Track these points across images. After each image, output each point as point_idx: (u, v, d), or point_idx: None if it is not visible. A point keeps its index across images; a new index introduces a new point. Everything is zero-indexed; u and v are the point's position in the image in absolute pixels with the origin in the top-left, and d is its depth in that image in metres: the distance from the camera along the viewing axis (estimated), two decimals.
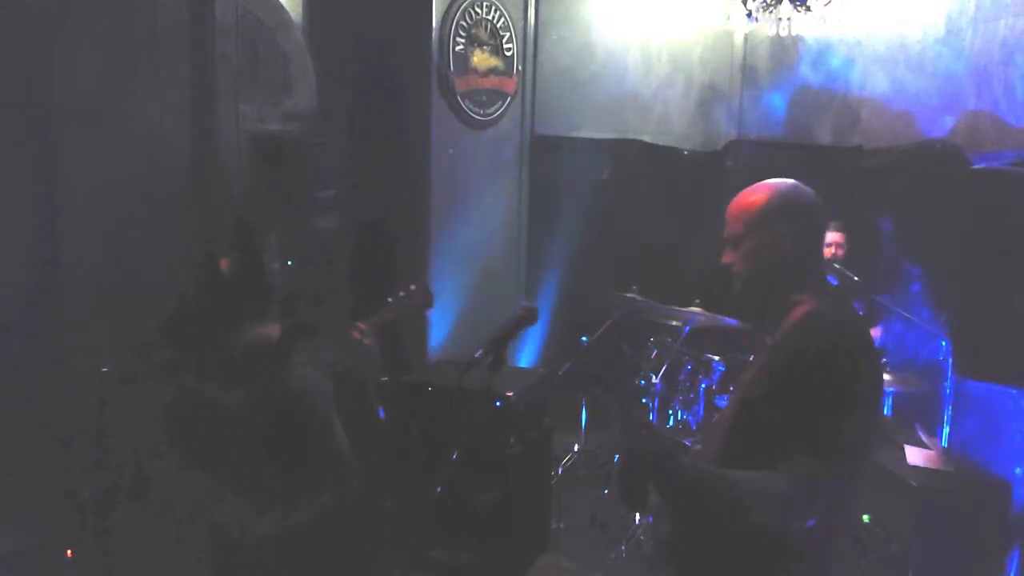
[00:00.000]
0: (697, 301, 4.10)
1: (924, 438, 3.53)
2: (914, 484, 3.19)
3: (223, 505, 2.47)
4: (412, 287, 2.94)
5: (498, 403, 3.63)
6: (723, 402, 4.14)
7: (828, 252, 4.06)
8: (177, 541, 3.05)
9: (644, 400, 4.10)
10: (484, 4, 4.62)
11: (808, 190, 1.96)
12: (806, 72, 4.88)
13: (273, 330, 2.51)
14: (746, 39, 5.18)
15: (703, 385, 4.18)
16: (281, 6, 4.27)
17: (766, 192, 1.95)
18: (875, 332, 4.21)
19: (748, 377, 1.94)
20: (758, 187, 1.98)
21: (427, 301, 2.99)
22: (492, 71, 4.74)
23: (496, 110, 4.82)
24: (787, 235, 1.88)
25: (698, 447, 2.16)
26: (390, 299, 2.88)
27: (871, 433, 1.84)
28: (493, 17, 4.69)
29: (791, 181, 1.97)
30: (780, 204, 1.92)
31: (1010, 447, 3.77)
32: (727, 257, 1.95)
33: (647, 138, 5.16)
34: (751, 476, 1.71)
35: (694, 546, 1.90)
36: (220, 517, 2.46)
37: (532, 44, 4.97)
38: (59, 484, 3.34)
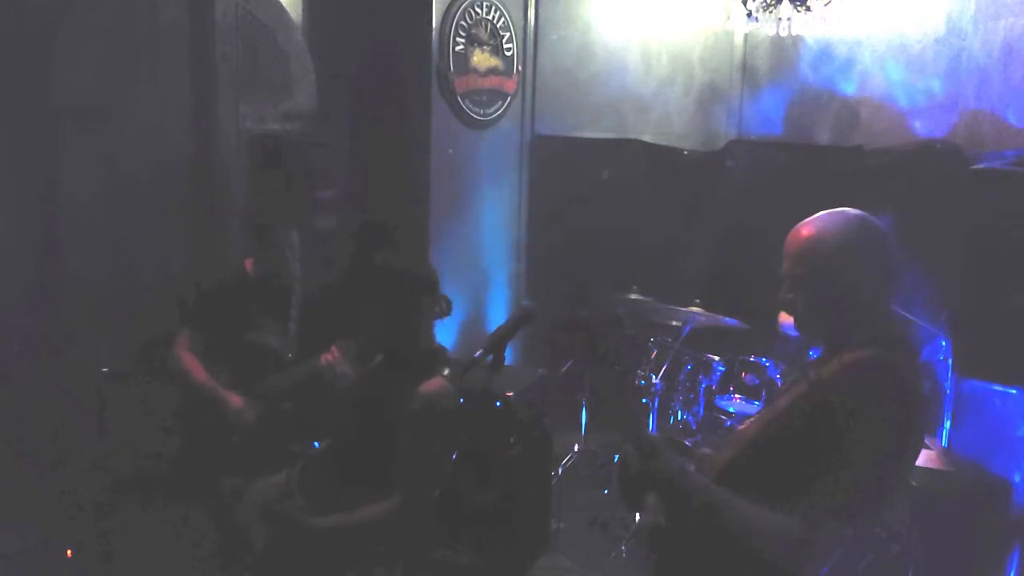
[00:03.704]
0: (697, 301, 4.09)
1: (924, 438, 3.52)
2: (914, 484, 3.19)
3: (292, 500, 2.56)
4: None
5: (498, 403, 3.63)
6: (723, 402, 4.15)
7: None
8: (179, 538, 3.06)
9: (644, 400, 4.09)
10: (484, 4, 4.62)
11: (876, 224, 1.82)
12: (806, 72, 4.88)
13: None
14: (746, 39, 5.19)
15: (703, 385, 4.18)
16: (281, 6, 4.27)
17: (834, 232, 1.80)
18: None
19: (782, 403, 1.86)
20: (826, 224, 1.82)
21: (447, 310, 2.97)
22: (492, 71, 4.74)
23: (496, 110, 4.82)
24: (857, 284, 1.78)
25: (705, 451, 2.13)
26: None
27: (896, 488, 1.76)
28: (493, 17, 4.69)
29: (859, 215, 1.83)
30: (850, 247, 1.78)
31: (1010, 447, 3.77)
32: (788, 292, 1.85)
33: (647, 138, 5.15)
34: (764, 513, 1.67)
35: (683, 541, 1.88)
36: (290, 508, 2.54)
37: (532, 44, 4.97)
38: (59, 484, 3.34)
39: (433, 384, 2.48)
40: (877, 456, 1.63)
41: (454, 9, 4.50)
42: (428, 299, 2.61)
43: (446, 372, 2.55)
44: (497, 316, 4.85)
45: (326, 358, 2.87)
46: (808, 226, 1.83)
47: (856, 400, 1.66)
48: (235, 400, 3.08)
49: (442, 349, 2.67)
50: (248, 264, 3.31)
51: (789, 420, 1.77)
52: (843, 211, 1.84)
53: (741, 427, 2.04)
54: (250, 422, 3.07)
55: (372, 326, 2.60)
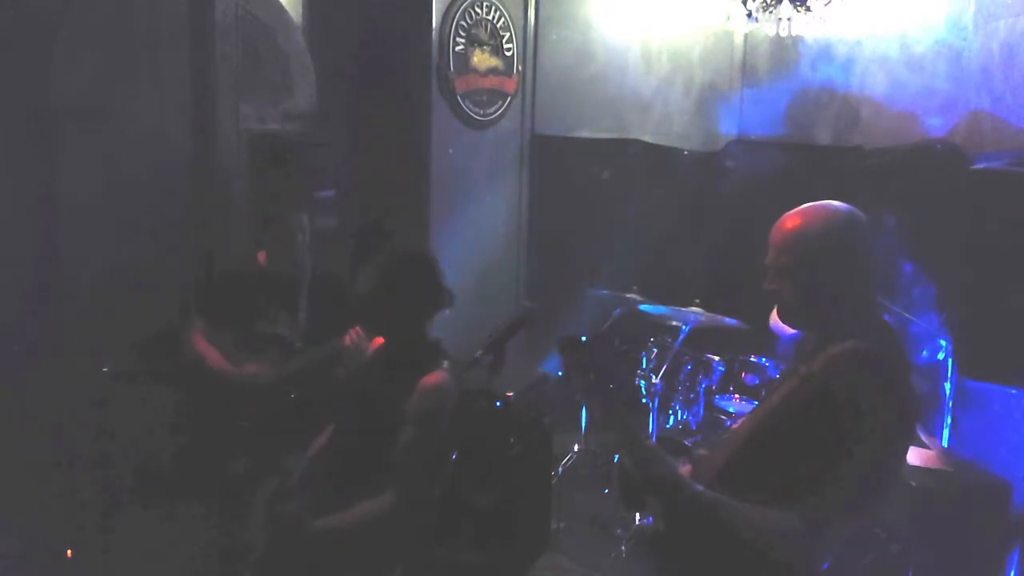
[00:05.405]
0: (697, 301, 4.09)
1: (924, 438, 3.52)
2: (914, 484, 3.19)
3: (288, 499, 2.54)
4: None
5: (498, 403, 3.63)
6: (723, 402, 4.15)
7: None
8: (179, 539, 3.06)
9: (644, 400, 4.09)
10: (484, 4, 4.62)
11: (861, 217, 1.83)
12: (806, 72, 4.88)
13: None
14: (746, 39, 5.19)
15: (703, 385, 4.18)
16: (281, 6, 4.28)
17: (819, 223, 1.81)
18: None
19: (773, 400, 1.86)
20: (810, 215, 1.83)
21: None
22: (492, 71, 4.74)
23: (496, 110, 4.82)
24: (842, 275, 1.78)
25: (701, 452, 2.13)
26: None
27: (892, 481, 1.77)
28: (493, 17, 4.69)
29: (843, 207, 1.83)
30: (834, 238, 1.79)
31: (1010, 447, 3.77)
32: (773, 283, 1.86)
33: (647, 138, 5.15)
34: (761, 512, 1.67)
35: (684, 546, 1.88)
36: (282, 508, 2.52)
37: (532, 44, 4.96)
38: (59, 484, 3.35)
39: (434, 378, 2.48)
40: (867, 446, 1.63)
41: (454, 9, 4.50)
42: (430, 287, 2.61)
43: (445, 365, 2.54)
44: (497, 316, 4.84)
45: (349, 338, 2.90)
46: (793, 217, 1.85)
47: (843, 392, 1.67)
48: (252, 368, 3.22)
49: (440, 342, 2.66)
50: (262, 257, 3.41)
51: (781, 416, 1.78)
52: (827, 203, 1.85)
53: (735, 426, 2.04)
54: (270, 384, 3.18)
55: (376, 314, 2.58)
